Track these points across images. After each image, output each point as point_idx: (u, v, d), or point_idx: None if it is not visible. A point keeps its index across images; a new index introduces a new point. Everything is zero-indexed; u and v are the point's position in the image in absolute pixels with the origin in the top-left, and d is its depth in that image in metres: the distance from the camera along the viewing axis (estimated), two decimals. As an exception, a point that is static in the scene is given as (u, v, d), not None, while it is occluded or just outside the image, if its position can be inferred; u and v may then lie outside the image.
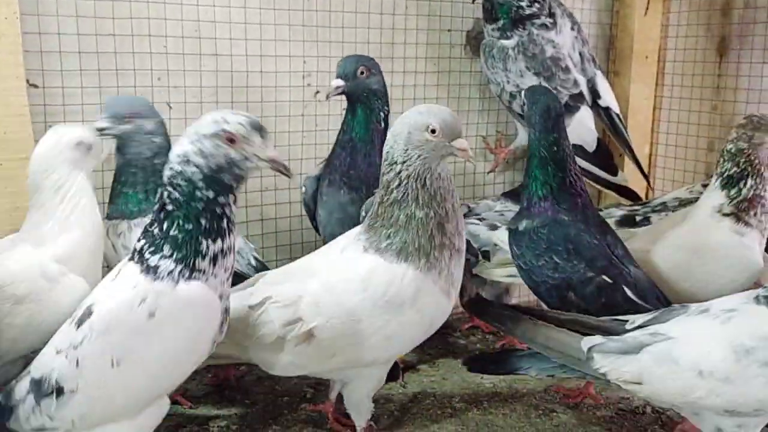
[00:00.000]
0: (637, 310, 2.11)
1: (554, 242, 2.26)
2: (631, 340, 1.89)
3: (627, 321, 2.00)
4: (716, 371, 1.75)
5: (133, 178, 2.23)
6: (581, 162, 3.02)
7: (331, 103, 2.84)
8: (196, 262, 1.54)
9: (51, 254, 1.90)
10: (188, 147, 1.54)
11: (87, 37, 2.54)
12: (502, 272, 2.71)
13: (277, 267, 2.18)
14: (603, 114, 3.17)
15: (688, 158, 3.51)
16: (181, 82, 2.74)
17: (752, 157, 2.30)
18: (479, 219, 2.87)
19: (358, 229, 1.97)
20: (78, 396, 1.51)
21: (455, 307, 2.03)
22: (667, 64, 3.61)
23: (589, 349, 1.92)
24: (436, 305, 1.91)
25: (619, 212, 2.90)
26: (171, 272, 1.52)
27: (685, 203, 2.76)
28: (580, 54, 3.13)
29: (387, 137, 1.91)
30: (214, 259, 1.56)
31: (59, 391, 1.52)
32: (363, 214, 2.36)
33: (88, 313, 1.54)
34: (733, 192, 2.32)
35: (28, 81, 2.39)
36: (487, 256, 2.76)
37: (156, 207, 1.57)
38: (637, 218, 2.84)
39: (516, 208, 2.53)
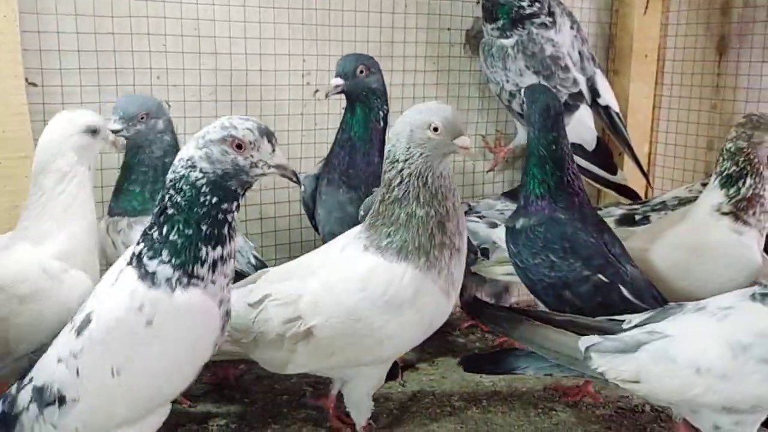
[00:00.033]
0: (633, 309, 2.11)
1: (551, 241, 2.26)
2: (628, 339, 1.89)
3: (623, 321, 2.00)
4: (713, 368, 1.76)
5: (143, 177, 2.25)
6: (581, 161, 3.02)
7: (331, 102, 2.84)
8: (195, 268, 1.51)
9: (50, 252, 1.90)
10: (195, 152, 1.50)
11: (86, 35, 2.53)
12: (501, 270, 2.71)
13: (276, 266, 2.18)
14: (602, 113, 3.17)
15: (687, 157, 3.51)
16: (181, 81, 2.74)
17: (751, 156, 2.30)
18: (479, 217, 2.87)
19: (359, 227, 1.97)
20: (80, 405, 1.50)
21: (455, 305, 2.02)
22: (667, 63, 3.61)
23: (587, 348, 1.92)
24: (436, 305, 1.90)
25: (619, 211, 2.90)
26: (169, 279, 1.50)
27: (684, 202, 2.75)
28: (580, 53, 3.13)
29: (389, 135, 1.91)
30: (213, 266, 1.53)
31: (61, 399, 1.50)
32: (361, 213, 2.36)
33: (87, 321, 1.51)
34: (732, 191, 2.32)
35: (27, 79, 2.39)
36: (486, 253, 2.77)
37: (156, 210, 1.54)
38: (637, 217, 2.84)
39: (516, 207, 2.53)
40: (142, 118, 2.22)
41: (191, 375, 1.61)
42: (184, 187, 1.50)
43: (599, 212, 2.85)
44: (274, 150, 1.54)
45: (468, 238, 2.01)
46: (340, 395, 2.14)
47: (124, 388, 1.50)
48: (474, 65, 3.30)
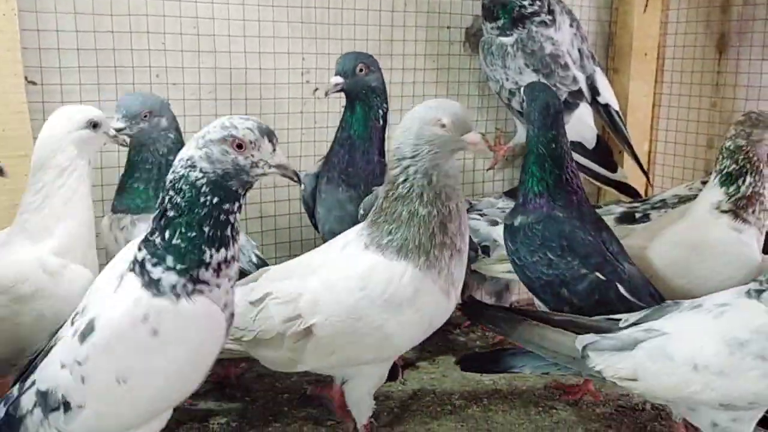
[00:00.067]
0: (630, 307, 2.12)
1: (548, 238, 2.26)
2: (625, 337, 1.90)
3: (620, 320, 2.00)
4: (710, 365, 1.76)
5: (147, 175, 2.25)
6: (581, 159, 3.02)
7: (330, 100, 2.84)
8: (200, 273, 1.48)
9: (49, 248, 1.90)
10: (194, 151, 1.49)
11: (85, 34, 2.53)
12: (502, 268, 2.70)
13: (276, 264, 2.18)
14: (602, 111, 3.17)
15: (687, 155, 3.51)
16: (180, 79, 2.73)
17: (750, 155, 2.30)
18: (480, 214, 2.87)
19: (361, 224, 1.97)
20: (85, 411, 1.49)
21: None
22: (667, 61, 3.61)
23: (584, 347, 1.93)
24: (436, 305, 1.90)
25: (619, 209, 2.90)
26: (174, 286, 1.47)
27: (684, 200, 2.75)
28: (579, 51, 3.13)
29: (396, 133, 1.89)
30: (218, 269, 1.50)
31: (66, 405, 1.49)
32: (361, 212, 2.36)
33: (91, 328, 1.49)
34: (731, 189, 2.32)
35: (26, 78, 2.39)
36: (487, 251, 2.77)
37: (156, 214, 1.52)
38: (637, 215, 2.84)
39: (517, 206, 2.53)
40: (146, 116, 2.22)
41: (197, 381, 1.60)
42: (184, 187, 1.48)
43: (599, 210, 2.85)
44: (274, 149, 1.53)
45: (469, 236, 2.01)
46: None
47: (129, 396, 1.49)
48: (473, 63, 3.30)
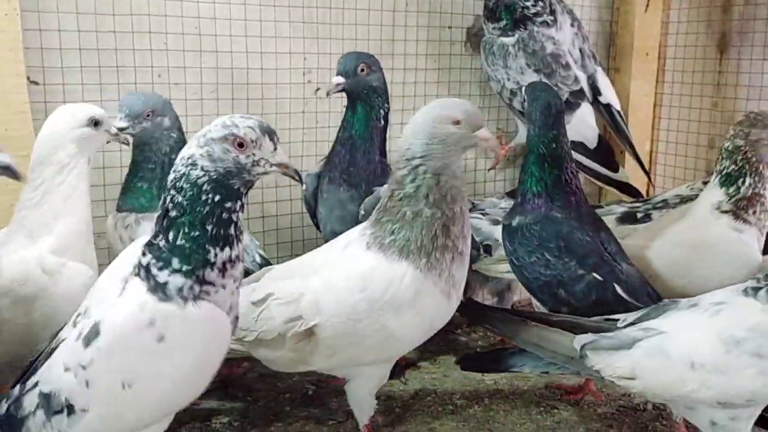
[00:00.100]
0: (628, 308, 2.12)
1: (546, 239, 2.26)
2: (623, 336, 1.91)
3: (618, 320, 2.01)
4: (707, 363, 1.77)
5: (150, 174, 2.26)
6: (582, 158, 3.03)
7: (332, 100, 2.84)
8: (205, 273, 1.48)
9: (48, 245, 1.90)
10: (196, 150, 1.48)
11: (87, 34, 2.53)
12: (503, 268, 2.70)
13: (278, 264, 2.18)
14: (604, 110, 3.18)
15: (688, 155, 3.51)
16: (182, 79, 2.74)
17: (749, 155, 2.29)
18: (482, 214, 2.87)
19: (364, 223, 1.97)
20: (89, 415, 1.49)
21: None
22: (668, 61, 3.62)
23: (582, 347, 1.93)
24: (437, 307, 1.90)
25: (620, 209, 2.90)
26: (180, 289, 1.47)
27: (686, 200, 2.75)
28: (581, 51, 3.14)
29: (405, 133, 1.89)
30: (223, 269, 1.50)
31: (70, 408, 1.49)
32: (362, 212, 2.36)
33: (96, 332, 1.48)
34: (731, 190, 2.32)
35: (28, 78, 2.39)
36: (488, 250, 2.77)
37: (159, 215, 1.52)
38: (638, 215, 2.84)
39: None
40: (148, 115, 2.23)
41: (202, 386, 1.60)
42: (185, 185, 1.48)
43: (601, 210, 2.86)
44: (275, 148, 1.53)
45: (471, 235, 2.01)
46: (342, 390, 2.14)
47: (134, 400, 1.49)
48: (475, 63, 3.30)
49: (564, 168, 2.31)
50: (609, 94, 3.18)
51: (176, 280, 1.48)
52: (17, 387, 1.57)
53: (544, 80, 2.90)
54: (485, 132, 1.88)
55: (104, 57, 2.58)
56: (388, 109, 2.52)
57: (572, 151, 2.94)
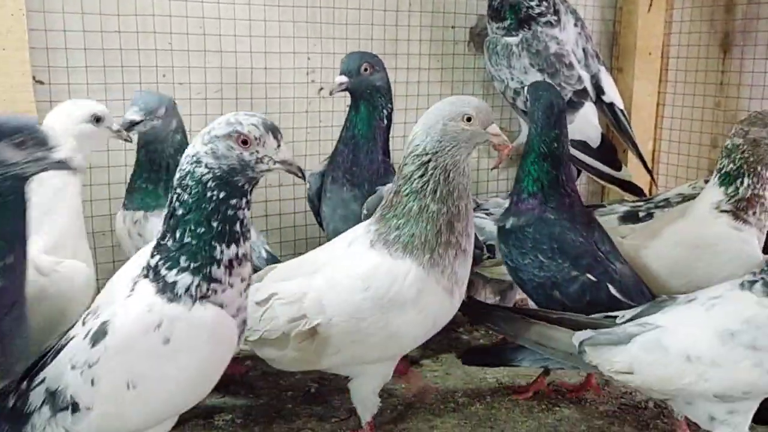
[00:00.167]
0: (621, 307, 2.13)
1: (539, 241, 2.27)
2: (621, 332, 1.92)
3: (617, 316, 2.02)
4: (703, 356, 1.78)
5: (156, 176, 2.27)
6: (585, 157, 3.04)
7: (335, 100, 2.85)
8: (212, 270, 1.49)
9: (41, 246, 1.87)
10: (200, 147, 1.50)
11: (92, 33, 2.56)
12: (505, 269, 2.71)
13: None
14: (607, 110, 3.18)
15: (691, 154, 3.51)
16: (186, 79, 2.76)
17: (747, 154, 2.29)
18: (487, 213, 2.88)
19: (370, 219, 1.98)
20: (94, 413, 1.50)
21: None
22: (671, 61, 3.62)
23: (581, 343, 1.95)
24: (440, 305, 1.90)
25: (623, 208, 2.90)
26: (188, 288, 1.48)
27: (688, 199, 2.74)
28: (584, 50, 3.14)
29: (415, 131, 1.89)
30: (230, 267, 1.51)
31: (75, 406, 1.50)
32: (365, 211, 2.37)
33: (103, 332, 1.50)
34: (731, 190, 2.32)
35: (34, 77, 2.41)
36: (492, 250, 2.77)
37: (166, 214, 1.53)
38: (641, 214, 2.84)
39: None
40: (160, 113, 2.22)
41: (207, 389, 1.61)
42: (190, 183, 1.49)
43: (603, 209, 2.87)
44: (279, 146, 1.53)
45: (475, 234, 2.02)
46: (344, 388, 2.15)
47: (139, 401, 1.50)
48: (478, 63, 3.32)
49: (561, 169, 2.31)
50: (612, 94, 3.19)
51: (184, 279, 1.49)
52: (24, 382, 1.59)
53: (548, 80, 2.91)
54: (496, 128, 1.90)
55: (109, 57, 2.60)
56: (392, 108, 2.53)
57: (576, 150, 2.98)
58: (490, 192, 3.43)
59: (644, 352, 1.85)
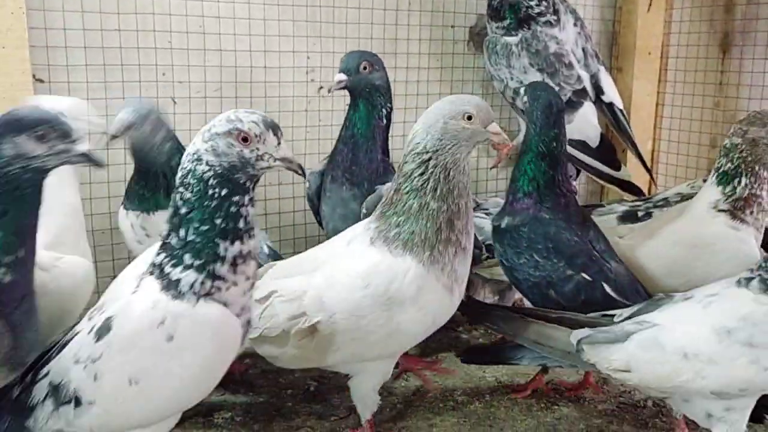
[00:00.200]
0: (616, 306, 2.13)
1: (534, 240, 2.27)
2: (618, 330, 1.93)
3: (614, 315, 2.03)
4: (700, 353, 1.79)
5: (154, 183, 2.26)
6: (585, 157, 3.04)
7: (335, 99, 2.86)
8: (216, 268, 1.49)
9: (40, 242, 1.87)
10: (201, 145, 1.50)
11: (92, 32, 2.56)
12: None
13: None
14: (606, 109, 3.19)
15: (690, 154, 3.52)
16: (186, 78, 2.76)
17: (745, 154, 2.29)
18: (486, 213, 2.88)
19: (370, 217, 1.98)
20: (95, 408, 1.50)
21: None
22: (670, 61, 3.63)
23: (579, 341, 1.95)
24: (439, 302, 1.91)
25: (622, 208, 2.90)
26: (192, 285, 1.49)
27: (686, 198, 2.74)
28: (584, 50, 3.15)
29: (415, 130, 1.90)
30: (234, 264, 1.51)
31: (77, 400, 1.51)
32: (364, 210, 2.37)
33: (107, 327, 1.51)
34: (728, 189, 2.32)
35: (34, 76, 2.41)
36: (491, 249, 2.77)
37: (170, 214, 1.53)
38: (640, 214, 2.84)
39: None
40: (151, 125, 2.20)
41: (210, 386, 1.61)
42: (192, 181, 1.50)
43: (602, 208, 2.87)
44: (279, 143, 1.54)
45: (474, 234, 2.02)
46: (343, 386, 2.15)
47: (140, 397, 1.51)
48: (477, 62, 3.32)
49: (558, 169, 2.31)
50: (612, 93, 3.19)
51: (188, 277, 1.49)
52: (29, 375, 1.59)
53: (548, 79, 2.91)
54: (496, 126, 1.91)
55: (109, 55, 2.60)
56: (391, 108, 2.53)
57: (575, 150, 2.99)
58: (490, 191, 3.44)
59: (641, 350, 1.86)
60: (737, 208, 2.31)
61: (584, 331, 1.96)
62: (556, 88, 2.88)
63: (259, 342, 1.96)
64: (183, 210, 1.51)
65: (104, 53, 2.59)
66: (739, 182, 2.30)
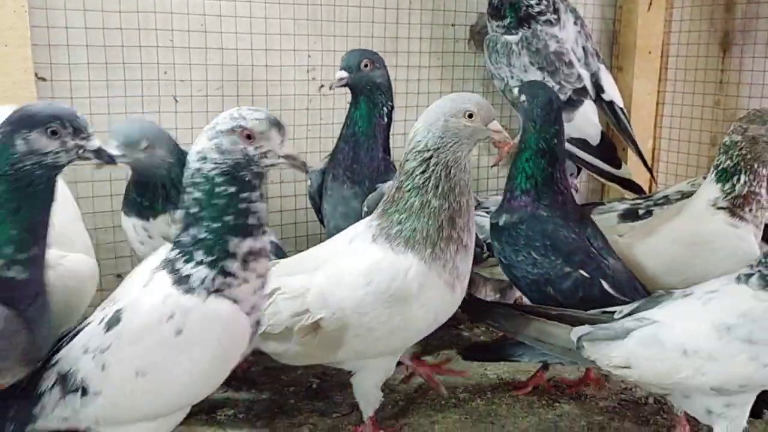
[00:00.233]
0: (614, 302, 2.14)
1: (532, 238, 2.27)
2: (618, 327, 1.93)
3: (615, 312, 2.03)
4: (700, 350, 1.79)
5: (152, 194, 2.25)
6: (585, 155, 3.04)
7: (336, 97, 2.86)
8: (227, 264, 1.51)
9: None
10: (205, 144, 1.51)
11: (94, 30, 2.56)
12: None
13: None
14: (607, 108, 3.19)
15: (690, 152, 3.53)
16: (187, 76, 2.76)
17: (744, 151, 2.30)
18: (487, 212, 2.88)
19: (372, 215, 1.98)
20: (102, 398, 1.52)
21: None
22: (670, 59, 3.63)
23: (579, 338, 1.96)
24: (441, 299, 1.91)
25: (622, 206, 2.91)
26: (203, 281, 1.50)
27: (686, 196, 2.75)
28: (584, 48, 3.15)
29: (417, 128, 1.90)
30: (245, 261, 1.52)
31: (84, 390, 1.52)
32: (365, 209, 2.37)
33: (117, 319, 1.53)
34: (727, 186, 2.33)
35: (36, 74, 2.42)
36: (491, 248, 2.78)
37: (182, 214, 1.55)
38: (640, 212, 2.85)
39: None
40: (145, 147, 2.12)
41: (216, 383, 1.62)
42: (199, 180, 1.51)
43: (603, 207, 2.88)
44: (283, 140, 1.55)
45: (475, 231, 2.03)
46: (346, 383, 2.15)
47: (146, 390, 1.52)
48: (478, 61, 3.32)
49: (557, 166, 2.32)
50: (612, 92, 3.19)
51: (199, 272, 1.50)
52: (41, 362, 1.60)
53: (548, 78, 2.92)
54: (497, 125, 1.91)
55: (111, 54, 2.60)
56: (392, 106, 2.53)
57: (575, 148, 2.99)
58: (491, 189, 3.44)
59: (641, 347, 1.86)
60: (736, 206, 2.32)
61: (584, 328, 1.97)
62: (557, 87, 2.90)
63: (263, 338, 1.96)
64: (193, 209, 1.52)
65: (106, 52, 2.59)
66: (739, 180, 2.31)
